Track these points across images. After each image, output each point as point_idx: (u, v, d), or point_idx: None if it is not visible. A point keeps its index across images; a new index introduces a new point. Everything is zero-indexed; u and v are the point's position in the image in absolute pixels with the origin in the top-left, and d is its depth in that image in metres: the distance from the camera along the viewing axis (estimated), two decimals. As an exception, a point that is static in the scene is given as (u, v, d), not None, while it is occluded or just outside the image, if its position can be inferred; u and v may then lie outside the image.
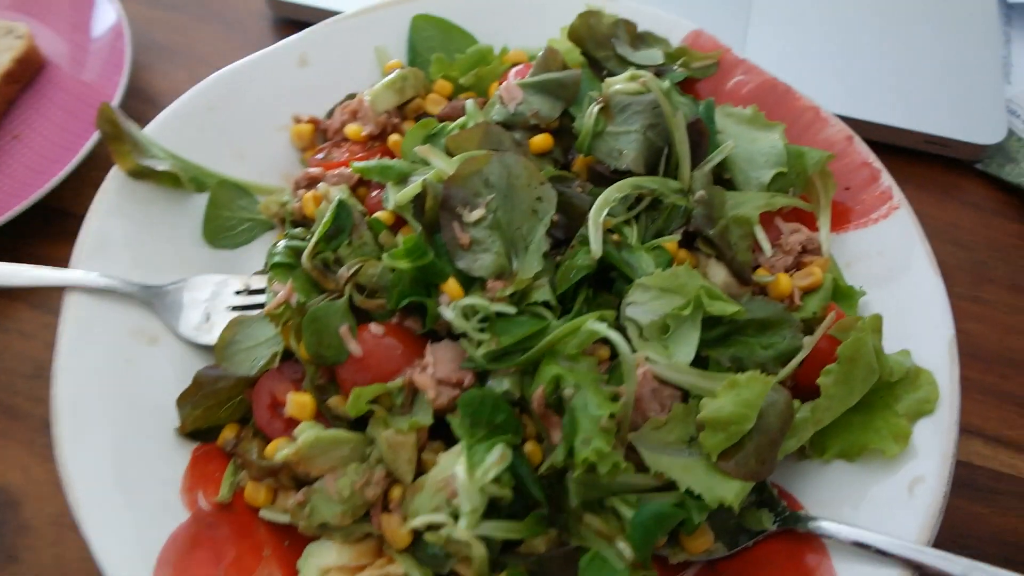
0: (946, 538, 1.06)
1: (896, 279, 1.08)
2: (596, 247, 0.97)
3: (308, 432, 0.88)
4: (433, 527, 0.82)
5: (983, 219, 1.31)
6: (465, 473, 0.81)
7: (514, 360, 0.92)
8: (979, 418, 1.14)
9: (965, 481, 1.10)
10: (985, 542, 1.06)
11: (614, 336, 0.87)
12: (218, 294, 1.06)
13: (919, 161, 1.37)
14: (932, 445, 0.95)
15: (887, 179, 1.14)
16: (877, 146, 1.29)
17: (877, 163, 1.15)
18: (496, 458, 0.83)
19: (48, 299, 1.18)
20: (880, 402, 1.00)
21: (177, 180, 1.07)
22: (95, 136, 1.20)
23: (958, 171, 1.36)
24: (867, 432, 0.98)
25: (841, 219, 1.15)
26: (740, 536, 0.97)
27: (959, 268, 1.26)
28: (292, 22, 1.50)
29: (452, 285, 0.97)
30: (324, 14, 1.44)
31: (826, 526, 0.92)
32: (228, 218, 1.12)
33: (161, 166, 1.05)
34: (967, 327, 1.21)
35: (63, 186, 1.20)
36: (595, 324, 0.89)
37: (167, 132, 1.10)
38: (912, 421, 0.98)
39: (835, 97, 1.35)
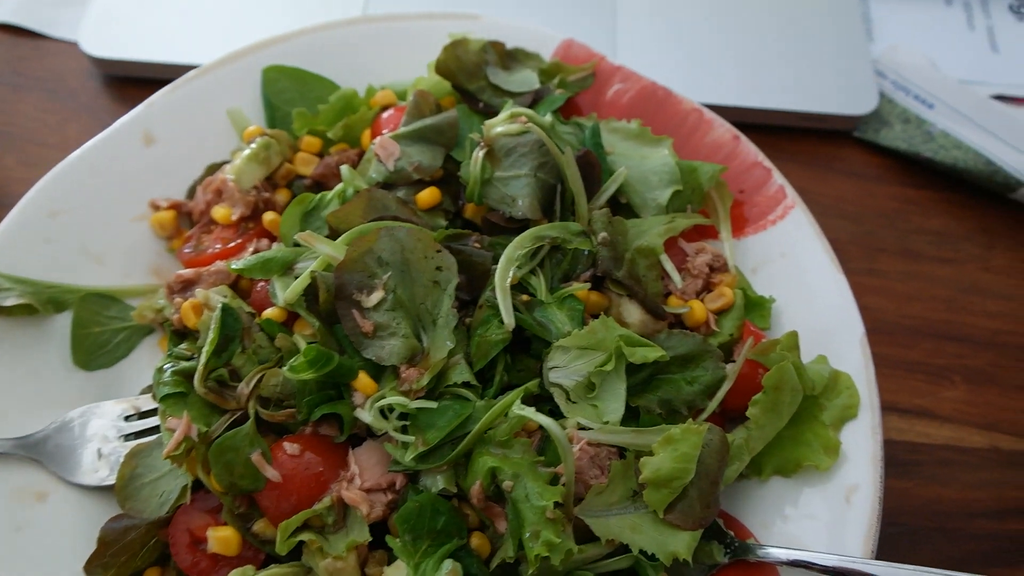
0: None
1: (802, 280, 1.09)
2: (508, 319, 0.92)
3: (240, 582, 0.81)
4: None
5: (866, 188, 1.34)
6: (417, 605, 0.77)
7: (444, 457, 0.87)
8: (890, 393, 1.19)
9: (887, 459, 1.14)
10: (913, 515, 1.12)
11: (544, 420, 0.85)
12: (106, 425, 0.96)
13: (797, 137, 1.37)
14: (861, 450, 0.98)
15: (779, 178, 1.13)
16: (756, 129, 1.29)
17: (767, 162, 1.14)
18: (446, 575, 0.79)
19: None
20: (807, 415, 1.01)
21: (31, 308, 0.95)
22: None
23: (836, 142, 1.38)
24: (799, 447, 0.99)
25: (739, 223, 1.15)
26: (693, 574, 0.97)
27: (851, 243, 1.29)
28: (122, 79, 1.34)
29: (364, 380, 0.91)
30: (156, 68, 1.31)
31: (775, 552, 0.93)
32: (99, 334, 1.01)
33: (9, 301, 0.93)
34: (866, 302, 1.23)
35: None
36: (523, 410, 0.86)
37: (6, 253, 0.97)
38: (838, 429, 1.00)
39: (710, 87, 1.34)
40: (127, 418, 0.97)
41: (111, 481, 0.92)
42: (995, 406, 1.18)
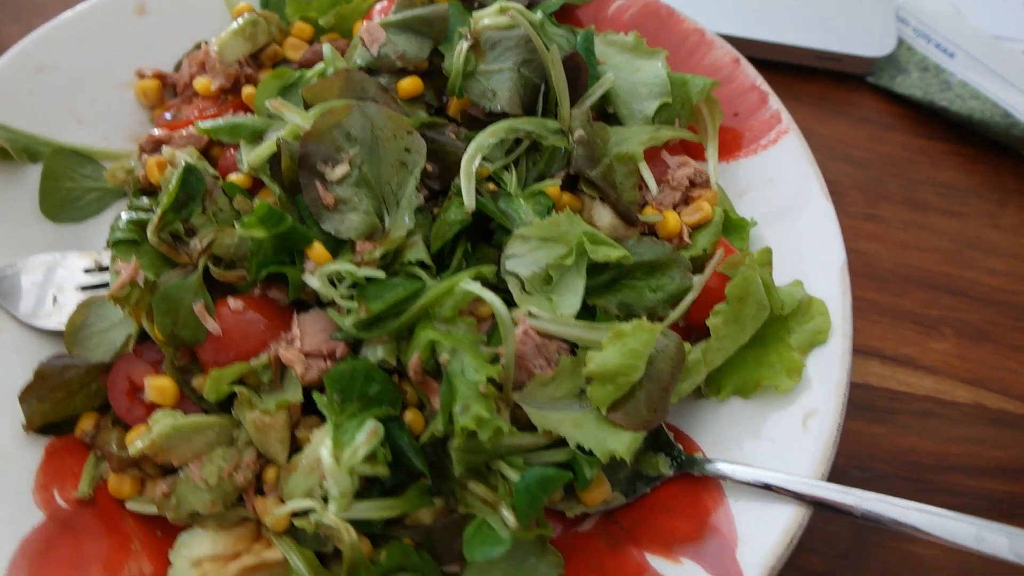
0: (847, 462, 1.06)
1: (789, 207, 1.05)
2: (468, 200, 0.91)
3: (163, 421, 0.81)
4: (303, 512, 0.77)
5: (876, 134, 1.29)
6: (331, 456, 0.75)
7: (386, 327, 0.86)
8: (877, 339, 1.14)
9: (863, 403, 1.10)
10: (885, 463, 1.07)
11: (488, 295, 0.82)
12: (65, 274, 0.97)
13: (810, 78, 1.33)
14: (825, 377, 0.94)
15: (775, 102, 1.10)
16: (766, 65, 1.25)
17: (764, 86, 1.11)
18: (366, 435, 0.77)
19: None
20: (773, 336, 0.97)
21: (5, 152, 0.96)
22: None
23: (849, 86, 1.33)
24: (761, 368, 0.96)
25: (731, 146, 1.11)
26: (637, 484, 0.94)
27: (853, 187, 1.24)
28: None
29: (318, 250, 0.90)
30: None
31: (722, 467, 0.90)
32: (71, 189, 1.01)
33: (-18, 138, 0.94)
34: (863, 247, 1.19)
35: None
36: (468, 284, 0.84)
37: (-11, 99, 0.99)
38: (805, 353, 0.96)
39: (720, 17, 1.30)
40: (87, 271, 0.98)
41: (60, 326, 0.93)
42: (985, 363, 1.12)
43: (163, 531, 0.88)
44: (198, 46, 1.09)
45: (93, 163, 1.03)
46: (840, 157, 1.26)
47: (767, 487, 0.87)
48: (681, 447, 0.95)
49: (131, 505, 0.88)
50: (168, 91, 1.09)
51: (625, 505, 0.94)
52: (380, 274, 0.87)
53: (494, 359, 0.83)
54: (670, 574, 0.86)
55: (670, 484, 0.94)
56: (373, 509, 0.77)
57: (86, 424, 0.90)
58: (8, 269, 0.94)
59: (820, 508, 0.86)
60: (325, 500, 0.77)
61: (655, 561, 0.88)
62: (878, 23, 1.30)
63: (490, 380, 0.80)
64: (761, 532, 0.86)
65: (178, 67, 1.10)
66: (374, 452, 0.79)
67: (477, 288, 0.83)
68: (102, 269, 0.98)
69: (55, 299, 0.95)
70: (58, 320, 0.94)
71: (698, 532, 0.89)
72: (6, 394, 0.88)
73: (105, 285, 0.97)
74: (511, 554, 0.89)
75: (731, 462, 0.90)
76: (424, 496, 0.83)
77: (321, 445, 0.80)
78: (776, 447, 0.92)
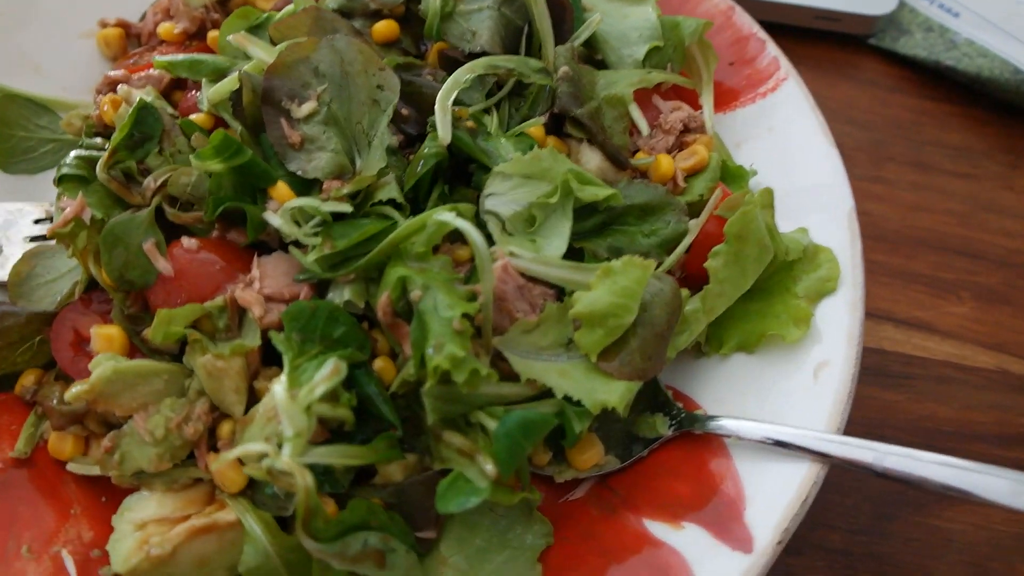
0: (860, 430, 0.96)
1: (789, 155, 0.98)
2: (444, 133, 0.84)
3: (104, 364, 0.73)
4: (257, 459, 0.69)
5: (880, 96, 1.23)
6: (285, 392, 0.67)
7: (353, 265, 0.79)
8: (888, 302, 1.06)
9: (877, 369, 1.02)
10: (901, 430, 0.98)
11: (462, 223, 0.75)
12: (13, 223, 0.90)
13: (810, 40, 1.27)
14: (836, 326, 0.86)
15: (773, 49, 1.04)
16: (765, 26, 1.19)
17: (761, 33, 1.05)
18: (327, 372, 0.69)
19: None
20: (778, 286, 0.90)
21: (-48, 97, 0.90)
22: None
23: (851, 48, 1.27)
24: (766, 319, 0.88)
25: (727, 97, 1.05)
26: (633, 446, 0.86)
27: (858, 149, 1.18)
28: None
29: (282, 189, 0.83)
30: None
31: (727, 424, 0.82)
32: (24, 139, 0.95)
33: (-75, 79, 0.88)
34: (869, 208, 1.12)
35: None
36: (442, 215, 0.76)
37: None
38: (813, 303, 0.88)
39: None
40: (39, 221, 0.91)
41: (3, 277, 0.86)
42: (1006, 327, 1.04)
43: (107, 497, 0.80)
44: (165, -4, 1.04)
45: (51, 113, 0.97)
46: (843, 119, 1.20)
47: (777, 443, 0.79)
48: (681, 405, 0.87)
49: (72, 467, 0.79)
50: (132, 42, 1.03)
51: (620, 470, 0.86)
52: (347, 208, 0.80)
53: (471, 298, 0.76)
54: (672, 540, 0.77)
55: (669, 445, 0.85)
56: (332, 454, 0.69)
57: (27, 380, 0.83)
58: (-50, 217, 0.87)
59: (836, 466, 0.78)
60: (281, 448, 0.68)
61: (654, 527, 0.79)
62: (878, -19, 1.25)
63: (467, 319, 0.73)
64: (771, 492, 0.77)
65: (143, 17, 1.04)
66: (336, 393, 0.70)
67: (451, 218, 0.75)
68: (53, 220, 0.91)
69: (1, 249, 0.88)
70: (3, 271, 0.87)
71: (701, 494, 0.80)
72: (-61, 346, 0.80)
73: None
74: (494, 522, 0.80)
75: (736, 418, 0.82)
76: (394, 449, 0.74)
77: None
78: (785, 402, 0.84)
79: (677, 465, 0.84)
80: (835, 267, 0.89)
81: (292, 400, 0.67)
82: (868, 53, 1.27)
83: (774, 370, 0.86)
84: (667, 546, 0.77)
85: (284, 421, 0.67)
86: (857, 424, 0.96)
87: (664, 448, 0.85)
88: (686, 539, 0.77)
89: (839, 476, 0.94)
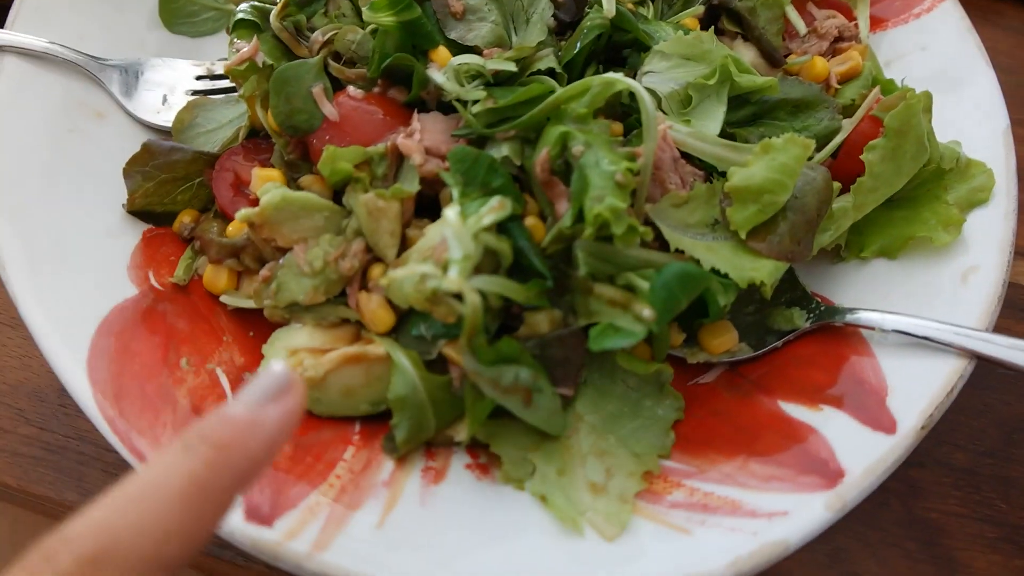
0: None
1: (943, 72, 0.97)
2: (609, 5, 0.85)
3: (274, 192, 0.75)
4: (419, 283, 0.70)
5: (1023, 42, 1.19)
6: (457, 216, 0.69)
7: (515, 123, 0.80)
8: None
9: (1011, 302, 0.99)
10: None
11: (633, 84, 0.75)
12: (177, 78, 0.93)
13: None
14: (987, 234, 0.84)
15: (931, -30, 1.02)
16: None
17: (919, -46, 1.03)
18: (494, 205, 0.71)
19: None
20: (928, 194, 0.88)
21: (130, -48, 0.94)
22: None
23: (992, -2, 1.24)
24: (913, 224, 0.87)
25: (878, 21, 1.03)
26: (768, 337, 0.85)
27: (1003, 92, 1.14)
28: None
29: (443, 53, 0.84)
30: None
31: (868, 316, 0.81)
32: (190, 2, 0.99)
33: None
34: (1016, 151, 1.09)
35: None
36: (610, 75, 0.77)
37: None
38: (965, 211, 0.86)
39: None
40: (199, 78, 0.94)
41: (169, 123, 0.89)
42: None
43: (255, 332, 0.82)
44: None
45: (218, -17, 1.01)
46: (985, 61, 1.17)
47: (922, 338, 0.78)
48: (819, 300, 0.86)
49: (226, 298, 0.82)
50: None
51: (752, 359, 0.85)
52: (511, 66, 0.81)
53: (631, 159, 0.76)
54: (810, 420, 0.76)
55: (805, 338, 0.84)
56: (493, 284, 0.70)
57: (186, 218, 0.86)
58: (122, 64, 0.91)
59: (984, 362, 0.76)
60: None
61: (790, 408, 0.78)
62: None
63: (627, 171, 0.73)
64: (916, 381, 0.76)
65: None
66: (498, 232, 0.72)
67: (620, 77, 0.76)
68: (214, 78, 0.94)
69: (165, 99, 0.91)
70: (166, 118, 0.90)
71: (841, 381, 0.79)
72: (107, 176, 0.83)
73: (216, 92, 0.93)
74: (626, 392, 0.80)
75: (879, 310, 0.81)
76: (543, 298, 0.75)
77: (438, 236, 0.73)
78: (929, 303, 0.82)
79: (813, 356, 0.83)
80: (990, 177, 0.87)
81: (463, 223, 0.68)
82: (1016, 3, 1.24)
83: (919, 274, 0.85)
84: (804, 424, 0.76)
85: (453, 244, 0.68)
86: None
87: (800, 341, 0.84)
88: (825, 419, 0.76)
89: (968, 398, 0.92)
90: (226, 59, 0.95)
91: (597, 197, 0.72)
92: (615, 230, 0.71)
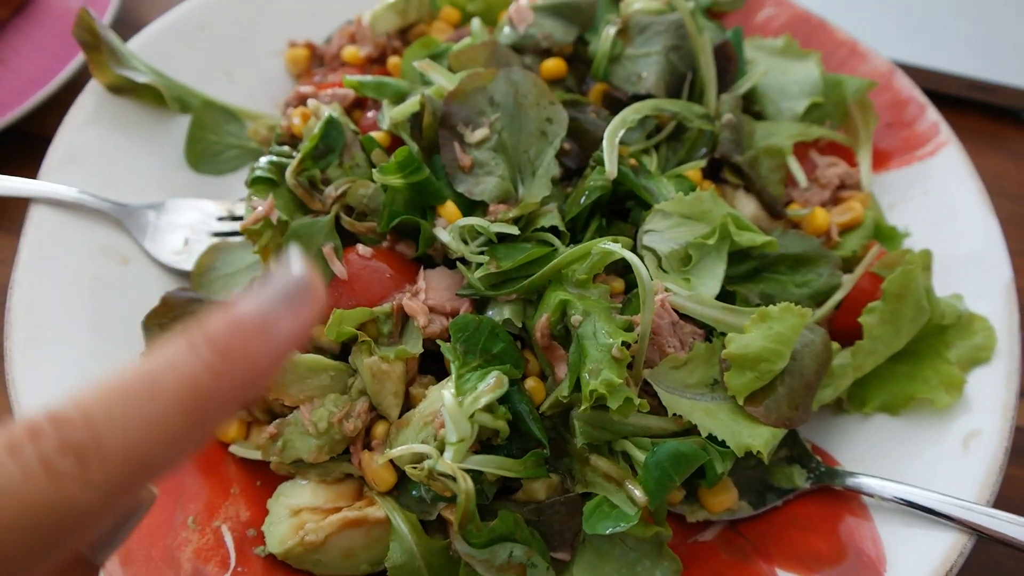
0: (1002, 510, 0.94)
1: (945, 220, 0.98)
2: (611, 167, 0.87)
3: (282, 355, 0.78)
4: (416, 460, 0.72)
5: (1034, 172, 1.20)
6: (453, 398, 0.71)
7: (516, 286, 0.82)
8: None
9: (1017, 447, 0.98)
10: (1044, 515, 0.94)
11: (630, 256, 0.77)
12: (199, 219, 0.97)
13: (962, 110, 1.26)
14: (989, 396, 0.84)
15: (933, 114, 1.04)
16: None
17: (922, 97, 1.05)
18: (490, 385, 0.73)
19: (19, 221, 1.10)
20: (929, 350, 0.89)
21: (159, 97, 0.99)
22: (79, 59, 1.12)
23: (1003, 121, 1.25)
24: (914, 382, 0.87)
25: (882, 159, 1.05)
26: (768, 495, 0.86)
27: (1008, 222, 1.14)
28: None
29: (450, 208, 0.87)
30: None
31: (869, 482, 0.81)
32: (214, 142, 1.03)
33: (141, 78, 0.97)
34: (1020, 284, 1.09)
35: (45, 111, 1.12)
36: (608, 244, 0.79)
37: (151, 48, 1.02)
38: (965, 370, 0.87)
39: (871, 37, 1.24)
40: (221, 219, 0.98)
41: (189, 267, 0.93)
42: None
43: (262, 481, 0.84)
44: (350, 21, 1.11)
45: (238, 121, 1.05)
46: (993, 191, 1.16)
47: (923, 509, 0.78)
48: (820, 459, 0.86)
49: (235, 449, 0.84)
50: (316, 62, 1.11)
51: (752, 517, 0.86)
52: (514, 230, 0.83)
53: (628, 327, 0.78)
54: (805, 592, 0.77)
55: (805, 498, 0.85)
56: (489, 464, 0.72)
57: (200, 364, 0.88)
58: (147, 208, 0.95)
59: (984, 539, 0.76)
60: (440, 452, 0.71)
61: (787, 577, 0.79)
62: (1039, 56, 1.24)
63: (625, 347, 0.75)
64: (915, 558, 0.76)
65: (328, 40, 1.12)
66: (492, 407, 0.73)
67: (618, 248, 0.78)
68: (234, 219, 0.98)
69: (187, 241, 0.95)
70: (188, 262, 0.94)
71: (838, 551, 0.80)
72: (128, 322, 0.87)
73: (236, 234, 0.97)
74: (625, 553, 0.81)
75: (879, 477, 0.81)
76: (540, 467, 0.77)
77: (440, 393, 0.76)
78: (930, 468, 0.82)
79: (812, 519, 0.83)
80: (991, 336, 0.87)
81: (459, 407, 0.70)
82: (1020, 127, 1.25)
83: (920, 435, 0.85)
84: (801, 598, 0.76)
85: (449, 426, 0.70)
86: (1000, 504, 0.93)
87: (799, 501, 0.85)
88: (822, 594, 0.76)
89: (976, 556, 0.91)
90: (246, 199, 1.00)
91: (594, 371, 0.74)
92: (611, 404, 0.73)
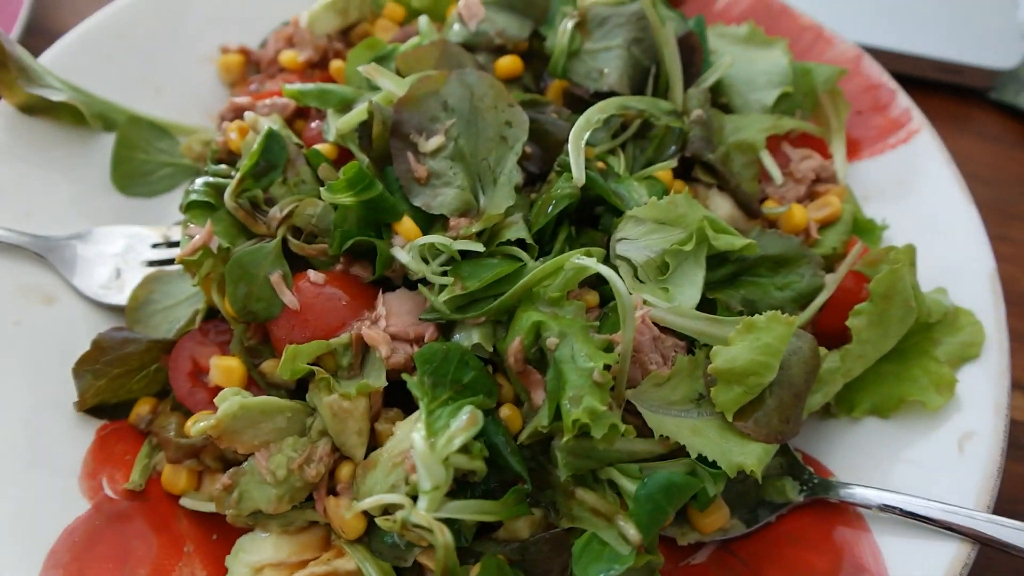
0: (995, 507, 0.91)
1: (922, 209, 0.94)
2: (579, 173, 0.81)
3: (231, 400, 0.71)
4: (388, 510, 0.66)
5: (1002, 152, 1.18)
6: (424, 442, 0.64)
7: (484, 308, 0.76)
8: (1018, 369, 1.00)
9: (1009, 440, 0.96)
10: (1035, 508, 0.92)
11: (607, 271, 0.71)
12: (131, 248, 0.89)
13: (929, 92, 1.23)
14: (982, 394, 0.81)
15: (904, 100, 1.00)
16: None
17: (892, 83, 1.01)
18: (463, 423, 0.66)
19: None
20: (916, 349, 0.85)
21: (79, 115, 0.90)
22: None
23: (970, 101, 1.23)
24: (903, 383, 0.84)
25: (853, 148, 1.01)
26: (760, 511, 0.82)
27: (982, 205, 1.10)
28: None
29: (407, 225, 0.81)
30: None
31: (865, 493, 0.77)
32: (144, 162, 0.95)
33: (57, 97, 0.88)
34: (999, 270, 1.06)
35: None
36: (582, 259, 0.73)
37: (67, 61, 0.93)
38: (955, 368, 0.83)
39: (837, 21, 1.21)
40: (155, 245, 0.90)
41: (123, 301, 0.85)
42: None
43: (219, 534, 0.77)
44: (286, 23, 1.03)
45: (169, 137, 0.97)
46: (965, 174, 1.14)
47: (923, 519, 0.74)
48: (811, 470, 0.82)
49: (186, 501, 0.77)
50: (251, 68, 1.03)
51: (745, 535, 0.81)
52: (478, 247, 0.77)
53: (607, 347, 0.72)
54: (806, 615, 0.73)
55: (798, 512, 0.81)
56: (467, 509, 0.66)
57: (143, 409, 0.81)
58: (72, 239, 0.87)
59: (987, 547, 0.73)
60: (413, 499, 0.65)
61: (785, 599, 0.74)
62: (1002, 35, 1.22)
63: (605, 368, 0.69)
64: (917, 571, 0.72)
65: (263, 44, 1.04)
66: (469, 444, 0.67)
67: (592, 263, 0.72)
68: (171, 245, 0.90)
69: (118, 272, 0.87)
70: (120, 295, 0.86)
71: (837, 568, 0.76)
72: (57, 371, 0.79)
73: (173, 262, 0.88)
74: (614, 583, 0.76)
75: (876, 487, 0.77)
76: (522, 504, 0.71)
77: (409, 434, 0.69)
78: (925, 474, 0.79)
79: (807, 533, 0.79)
80: (979, 331, 0.84)
81: (431, 451, 0.64)
82: (987, 107, 1.23)
83: (913, 438, 0.82)
84: (803, 623, 0.72)
85: (422, 472, 0.64)
86: (997, 503, 0.90)
87: (793, 514, 0.81)
88: (824, 617, 0.72)
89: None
90: (182, 224, 0.91)
91: (574, 398, 0.69)
92: (595, 433, 0.68)
